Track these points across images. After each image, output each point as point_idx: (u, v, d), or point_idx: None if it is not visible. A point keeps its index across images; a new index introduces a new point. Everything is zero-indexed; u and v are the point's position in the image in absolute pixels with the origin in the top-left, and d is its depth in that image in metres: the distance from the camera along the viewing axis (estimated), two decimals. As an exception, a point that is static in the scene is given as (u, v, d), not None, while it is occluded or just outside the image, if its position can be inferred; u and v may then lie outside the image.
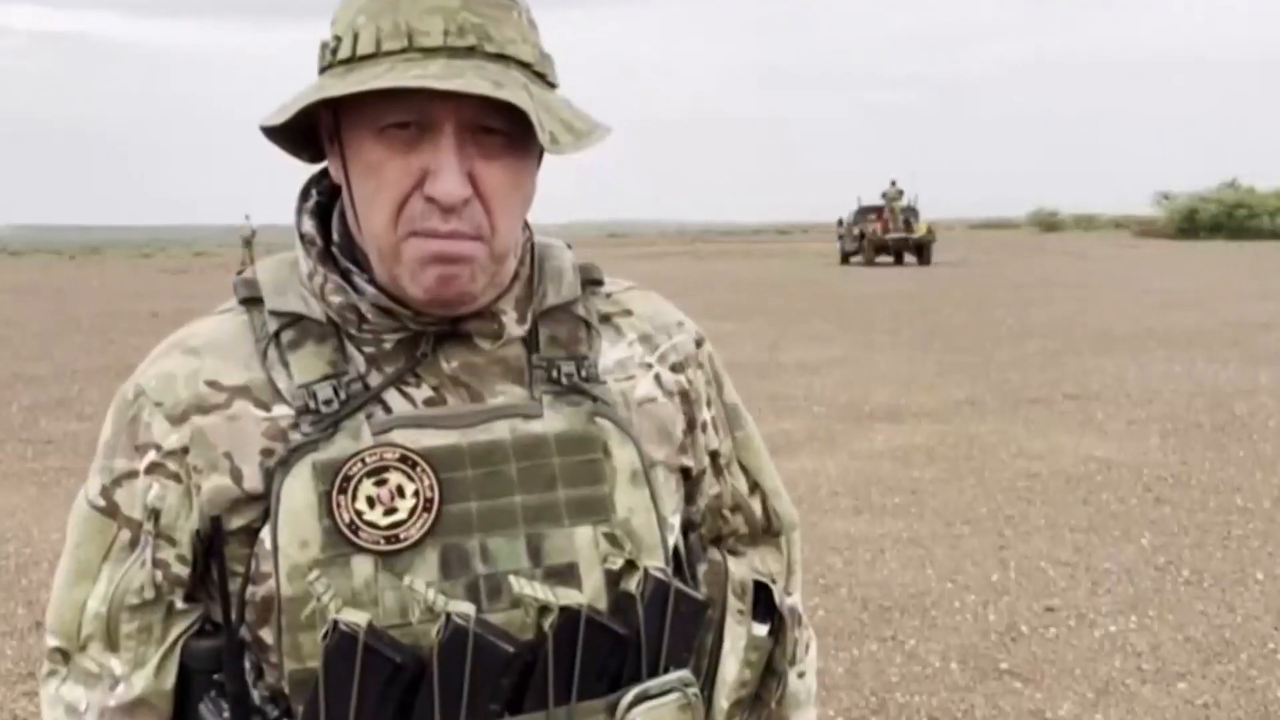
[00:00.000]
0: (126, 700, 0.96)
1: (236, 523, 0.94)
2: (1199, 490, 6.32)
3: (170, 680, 0.97)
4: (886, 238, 31.05)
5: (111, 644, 0.97)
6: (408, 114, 0.90)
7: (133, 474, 0.97)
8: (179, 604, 0.97)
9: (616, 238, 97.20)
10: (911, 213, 31.54)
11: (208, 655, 0.97)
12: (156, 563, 0.96)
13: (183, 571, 0.96)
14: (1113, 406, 8.78)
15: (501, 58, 0.91)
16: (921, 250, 31.06)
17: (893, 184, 31.83)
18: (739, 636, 1.10)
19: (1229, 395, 9.16)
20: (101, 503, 0.98)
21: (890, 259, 31.45)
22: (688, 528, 1.12)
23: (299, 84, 0.97)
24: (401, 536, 0.92)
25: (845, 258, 32.68)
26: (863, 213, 32.31)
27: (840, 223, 33.89)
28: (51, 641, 1.00)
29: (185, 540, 0.95)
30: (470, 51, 0.90)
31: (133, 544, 0.96)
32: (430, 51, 0.89)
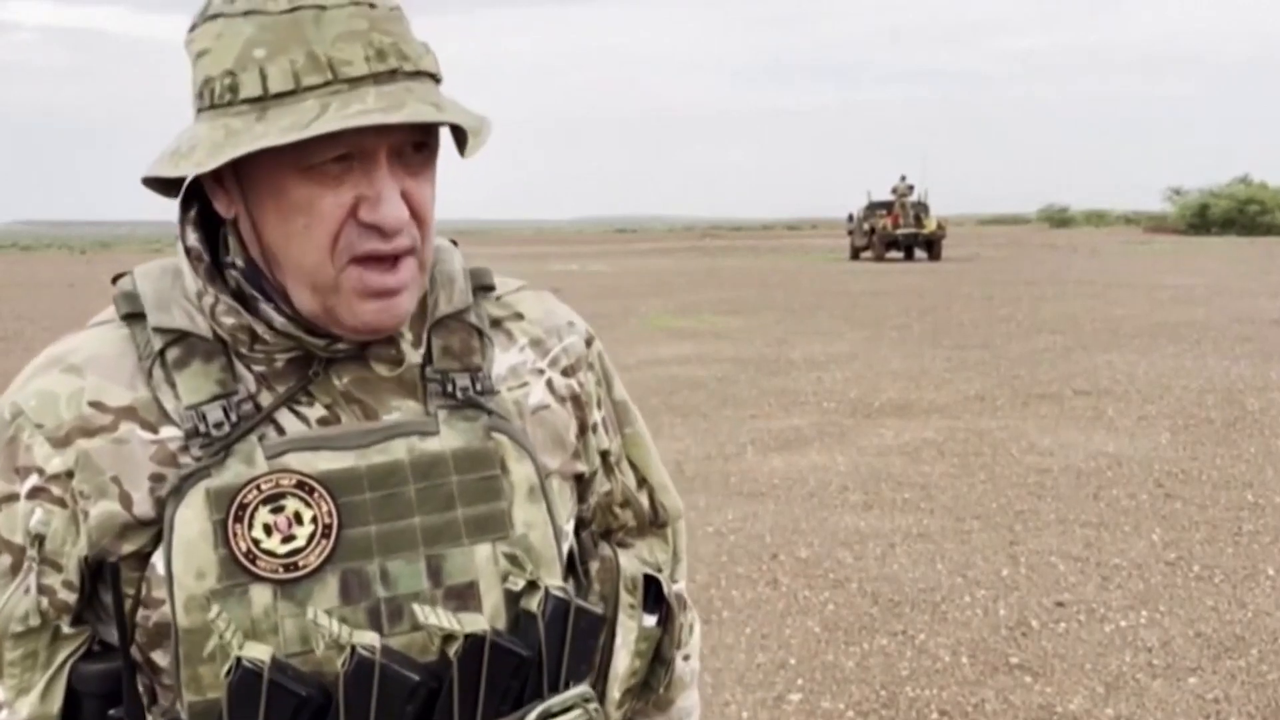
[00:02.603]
0: None
1: (127, 548, 0.92)
2: (1210, 486, 6.31)
3: (57, 704, 0.94)
4: (896, 233, 31.00)
5: None
6: (342, 148, 0.88)
7: (13, 497, 0.93)
8: (65, 628, 0.94)
9: (624, 233, 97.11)
10: (922, 208, 31.47)
11: (98, 679, 0.94)
12: (42, 589, 0.92)
13: (70, 598, 0.93)
14: (1123, 402, 8.76)
15: (418, 74, 0.90)
16: (931, 246, 31.00)
17: (903, 179, 31.76)
18: (630, 630, 1.11)
19: (1240, 391, 9.13)
20: None
21: (900, 254, 31.40)
22: (579, 525, 1.12)
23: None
24: (300, 564, 0.90)
25: (855, 253, 32.62)
26: (873, 208, 32.26)
27: (850, 218, 33.84)
28: None
29: (72, 566, 0.92)
30: (393, 75, 0.88)
31: (14, 569, 0.93)
32: (356, 81, 0.87)
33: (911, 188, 31.57)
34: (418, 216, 0.93)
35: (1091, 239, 47.40)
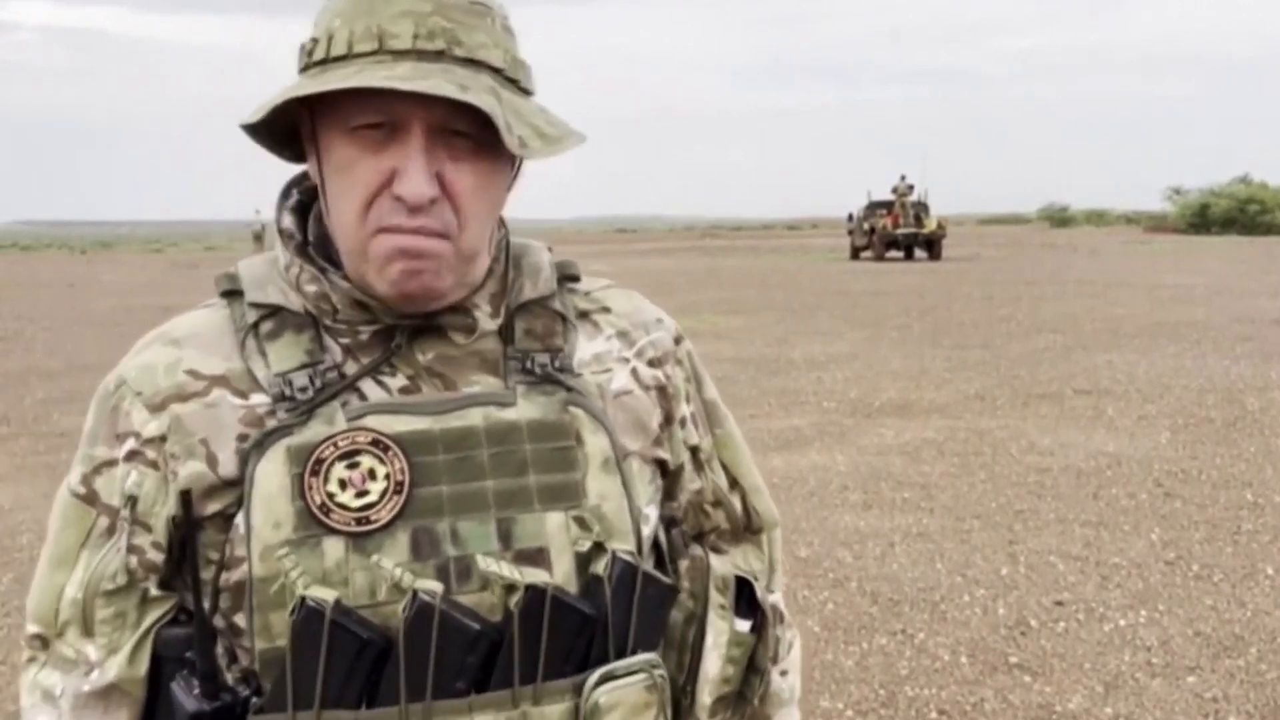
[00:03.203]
0: (100, 685, 0.97)
1: (212, 508, 0.95)
2: (1209, 485, 6.31)
3: (143, 667, 0.98)
4: (897, 233, 31.00)
5: (87, 630, 0.98)
6: (377, 115, 0.92)
7: (112, 462, 0.98)
8: (153, 591, 0.98)
9: (624, 233, 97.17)
10: (922, 208, 31.48)
11: (180, 643, 0.97)
12: (131, 549, 0.97)
13: (157, 558, 0.97)
14: (1123, 402, 8.77)
15: (471, 62, 0.93)
16: (932, 245, 31.00)
17: (903, 179, 31.76)
18: (721, 631, 1.10)
19: (1240, 390, 9.14)
20: (82, 490, 0.99)
21: (900, 254, 31.40)
22: (670, 524, 1.13)
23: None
24: (372, 518, 0.93)
25: (855, 253, 32.63)
26: (873, 208, 32.26)
27: (850, 218, 33.84)
28: (31, 628, 1.01)
29: (160, 527, 0.97)
30: (439, 55, 0.92)
31: (110, 531, 0.98)
32: (399, 54, 0.91)
33: (911, 187, 31.57)
34: (454, 201, 0.94)
35: (1092, 239, 47.41)
